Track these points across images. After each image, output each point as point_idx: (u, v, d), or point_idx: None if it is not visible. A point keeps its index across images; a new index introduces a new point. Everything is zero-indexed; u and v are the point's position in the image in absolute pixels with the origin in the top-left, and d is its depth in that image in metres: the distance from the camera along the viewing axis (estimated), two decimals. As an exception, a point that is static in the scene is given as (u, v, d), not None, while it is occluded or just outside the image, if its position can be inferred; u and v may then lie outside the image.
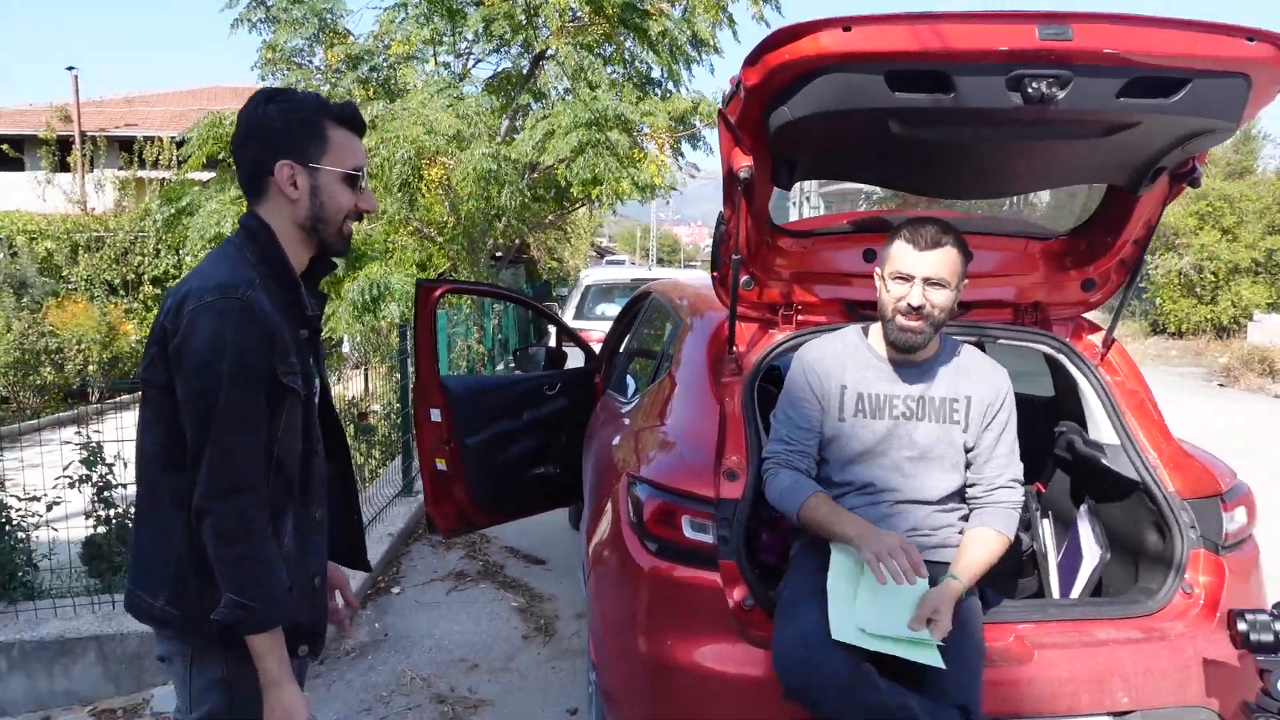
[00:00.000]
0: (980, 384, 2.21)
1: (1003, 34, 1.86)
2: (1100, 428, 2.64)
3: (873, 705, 1.83)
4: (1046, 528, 2.79)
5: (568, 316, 9.62)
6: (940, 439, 2.18)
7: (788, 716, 2.03)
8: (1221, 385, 12.85)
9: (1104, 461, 2.58)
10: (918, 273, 2.10)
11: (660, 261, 51.42)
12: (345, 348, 11.63)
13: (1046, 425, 3.00)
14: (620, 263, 35.66)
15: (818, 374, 2.26)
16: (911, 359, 2.21)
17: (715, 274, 2.56)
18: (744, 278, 2.56)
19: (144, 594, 1.61)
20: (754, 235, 2.47)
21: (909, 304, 2.10)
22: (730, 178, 2.23)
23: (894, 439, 2.19)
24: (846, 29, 1.85)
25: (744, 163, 2.18)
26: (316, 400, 1.72)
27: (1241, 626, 1.93)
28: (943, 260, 2.10)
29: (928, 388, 2.20)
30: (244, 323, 1.50)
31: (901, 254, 2.13)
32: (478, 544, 5.23)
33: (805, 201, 31.38)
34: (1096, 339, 2.72)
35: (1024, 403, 3.39)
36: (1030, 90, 1.88)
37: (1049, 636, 2.25)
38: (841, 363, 2.25)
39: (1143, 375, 2.69)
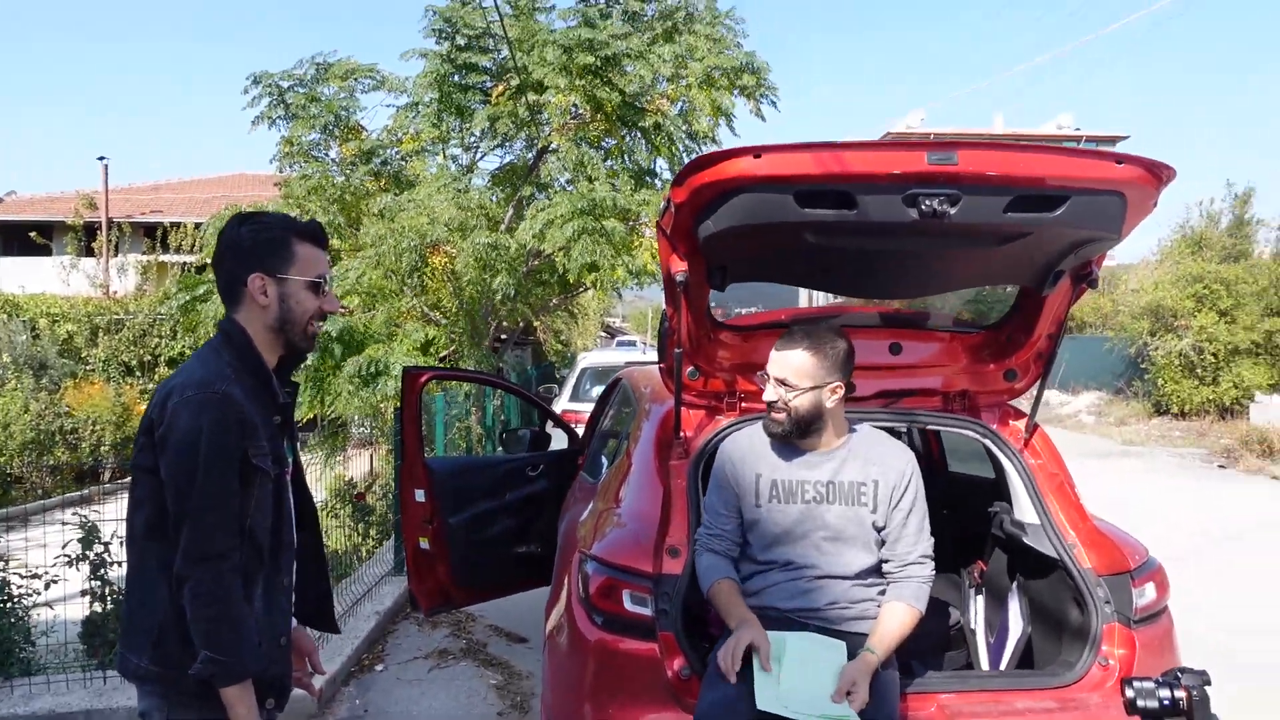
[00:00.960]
0: (886, 467, 2.40)
1: (896, 159, 2.12)
2: (1024, 508, 2.82)
3: (782, 767, 1.98)
4: (980, 604, 2.94)
5: (564, 397, 9.86)
6: (851, 520, 2.37)
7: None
8: (1222, 467, 12.86)
9: (1026, 540, 2.76)
10: (771, 372, 2.37)
11: (670, 342, 51.63)
12: (353, 428, 11.88)
13: (986, 505, 3.17)
14: (632, 344, 36.02)
15: (735, 464, 2.47)
16: (820, 447, 2.41)
17: (662, 366, 2.80)
18: (689, 369, 2.80)
19: (131, 654, 1.80)
20: (695, 330, 2.72)
21: (765, 398, 2.37)
22: (670, 281, 2.49)
23: (809, 521, 2.38)
24: (757, 156, 2.12)
25: (680, 268, 2.44)
26: (288, 478, 1.94)
27: (1129, 694, 2.07)
28: (788, 361, 2.34)
29: (836, 472, 2.40)
30: (219, 413, 1.72)
31: (771, 354, 2.40)
32: (463, 622, 5.36)
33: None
34: (1021, 425, 2.92)
35: (969, 484, 3.60)
36: (924, 206, 2.13)
37: (969, 706, 2.39)
38: (756, 453, 2.46)
39: (1063, 459, 2.88)
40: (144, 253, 21.13)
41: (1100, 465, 12.13)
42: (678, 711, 2.33)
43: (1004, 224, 2.22)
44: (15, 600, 4.28)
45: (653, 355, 10.80)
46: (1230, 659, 4.42)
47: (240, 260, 1.85)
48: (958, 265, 2.59)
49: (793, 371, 2.32)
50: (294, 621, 2.04)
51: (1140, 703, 2.06)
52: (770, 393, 2.35)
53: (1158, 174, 2.16)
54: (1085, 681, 2.47)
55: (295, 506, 2.01)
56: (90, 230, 21.62)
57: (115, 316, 17.63)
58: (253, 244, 1.85)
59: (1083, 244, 2.38)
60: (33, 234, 21.72)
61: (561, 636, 2.66)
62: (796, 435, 2.37)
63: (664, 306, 2.64)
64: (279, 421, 1.89)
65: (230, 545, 1.73)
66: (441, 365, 9.24)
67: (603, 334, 42.03)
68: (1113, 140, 39.62)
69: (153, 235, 20.86)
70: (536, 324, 14.78)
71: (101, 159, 21.87)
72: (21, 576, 4.30)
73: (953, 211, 2.13)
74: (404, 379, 4.18)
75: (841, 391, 2.37)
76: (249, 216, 1.90)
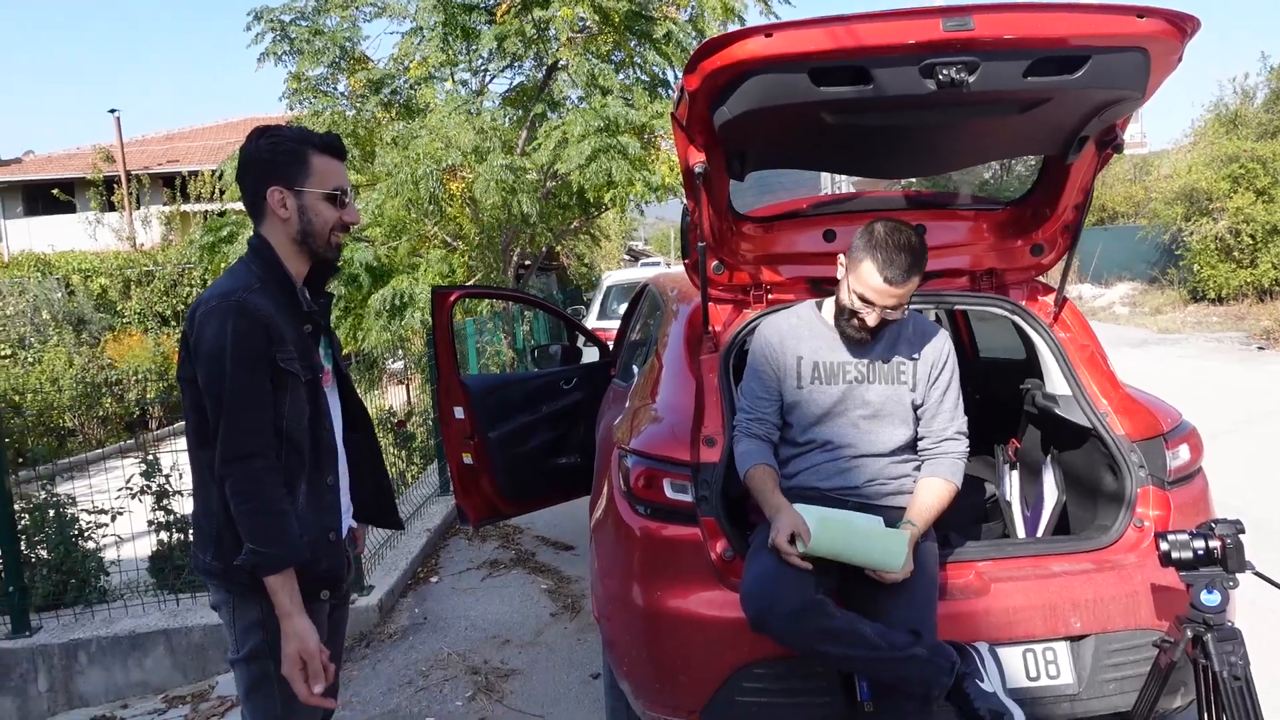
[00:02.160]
0: (924, 347, 2.43)
1: (910, 29, 2.08)
2: (1055, 382, 2.83)
3: (825, 629, 2.07)
4: (1015, 478, 2.99)
5: (592, 316, 9.92)
6: (890, 398, 2.42)
7: (764, 651, 2.28)
8: (1261, 349, 12.70)
9: (1058, 411, 2.78)
10: (883, 302, 2.31)
11: (694, 260, 51.30)
12: (389, 363, 12.07)
13: (1018, 385, 3.20)
14: (656, 264, 35.87)
15: (774, 347, 2.50)
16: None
17: (686, 261, 2.82)
18: (713, 263, 2.81)
19: (199, 552, 1.93)
20: (717, 223, 2.72)
21: (865, 321, 2.34)
22: (688, 173, 2.49)
23: (849, 400, 2.43)
24: (769, 35, 2.10)
25: (698, 158, 2.43)
26: (325, 383, 2.00)
27: (1163, 546, 2.14)
28: (905, 292, 2.31)
29: (877, 353, 2.43)
30: (241, 319, 1.78)
31: (870, 277, 2.30)
32: (511, 535, 5.54)
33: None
34: (1050, 300, 2.91)
35: (1000, 366, 3.61)
36: (942, 76, 2.10)
37: (1006, 571, 2.46)
38: (797, 335, 2.49)
39: (1093, 331, 2.88)
40: (165, 203, 21.26)
41: (1136, 353, 12.03)
42: (723, 590, 2.42)
43: (1024, 89, 2.18)
44: (85, 534, 4.49)
45: (663, 270, 10.80)
46: (1270, 531, 4.46)
47: (260, 174, 1.88)
48: (979, 137, 2.56)
49: (906, 296, 2.33)
50: (350, 520, 2.12)
51: (1175, 554, 2.12)
52: (873, 318, 2.33)
53: (1181, 26, 2.10)
54: (1121, 543, 2.52)
55: (343, 409, 2.08)
56: (110, 184, 21.74)
57: (145, 268, 17.86)
58: (270, 157, 1.87)
59: (1107, 106, 2.33)
60: (55, 191, 21.89)
61: (607, 529, 2.75)
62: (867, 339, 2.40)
63: (684, 201, 2.64)
64: (309, 330, 1.93)
65: (264, 444, 1.80)
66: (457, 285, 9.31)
67: (626, 257, 41.82)
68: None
69: (171, 185, 20.94)
70: (559, 248, 14.75)
71: (113, 111, 21.85)
72: (89, 513, 4.50)
73: (971, 80, 2.10)
74: (433, 298, 4.23)
75: None
76: (266, 130, 1.92)
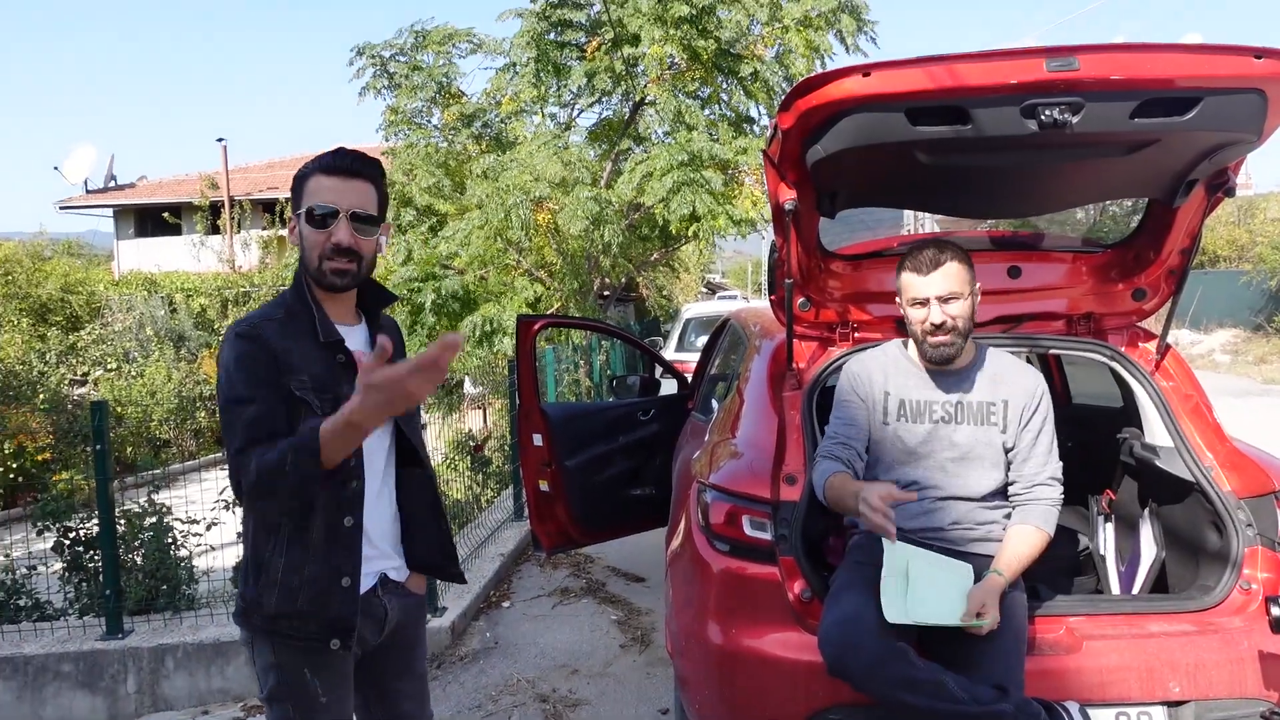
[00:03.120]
0: (1016, 387, 2.36)
1: (1012, 69, 2.05)
2: (1156, 432, 2.72)
3: (906, 677, 2.01)
4: (1109, 530, 2.87)
5: (670, 348, 9.94)
6: (979, 440, 2.35)
7: (840, 696, 2.23)
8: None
9: (1159, 464, 2.67)
10: (929, 294, 2.30)
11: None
12: (467, 387, 12.32)
13: (1114, 434, 3.08)
14: (732, 297, 35.80)
15: (862, 381, 2.47)
16: (949, 367, 2.39)
17: (773, 298, 2.81)
18: (800, 300, 2.80)
19: (237, 586, 1.91)
20: (805, 260, 2.71)
21: (931, 324, 2.30)
22: (778, 210, 2.49)
23: (935, 441, 2.37)
24: (866, 74, 2.09)
25: (789, 196, 2.43)
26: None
27: (1275, 611, 2.03)
28: (947, 276, 2.29)
29: (965, 393, 2.37)
30: (249, 346, 1.72)
31: (910, 282, 2.34)
32: (582, 564, 5.55)
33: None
34: (1151, 346, 2.80)
35: (1096, 414, 3.49)
36: (1044, 117, 2.06)
37: (1099, 628, 2.36)
38: (884, 372, 2.45)
39: (1197, 381, 2.76)
40: (263, 228, 22.21)
41: (1238, 404, 11.45)
42: (800, 632, 2.38)
43: (1131, 131, 2.13)
44: (178, 544, 4.67)
45: (742, 305, 10.77)
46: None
47: (290, 204, 1.87)
48: (1081, 178, 2.50)
49: (956, 281, 2.30)
50: (398, 568, 1.97)
51: (1287, 620, 2.00)
52: (937, 314, 2.30)
53: (1303, 67, 2.02)
54: (1226, 605, 2.39)
55: (397, 446, 1.95)
56: (214, 209, 22.83)
57: (242, 289, 18.67)
58: (292, 187, 1.84)
59: (1218, 149, 2.26)
60: (165, 215, 23.10)
61: (683, 564, 2.74)
62: (959, 353, 2.35)
63: (774, 238, 2.64)
64: (342, 360, 1.81)
65: (270, 441, 1.67)
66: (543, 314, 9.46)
67: (703, 290, 41.90)
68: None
69: (271, 211, 21.88)
70: (639, 279, 14.88)
71: (220, 140, 23.01)
72: (182, 522, 4.68)
73: (1075, 120, 2.06)
74: (518, 327, 4.31)
75: (979, 297, 2.37)
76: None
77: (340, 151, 1.81)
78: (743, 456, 2.76)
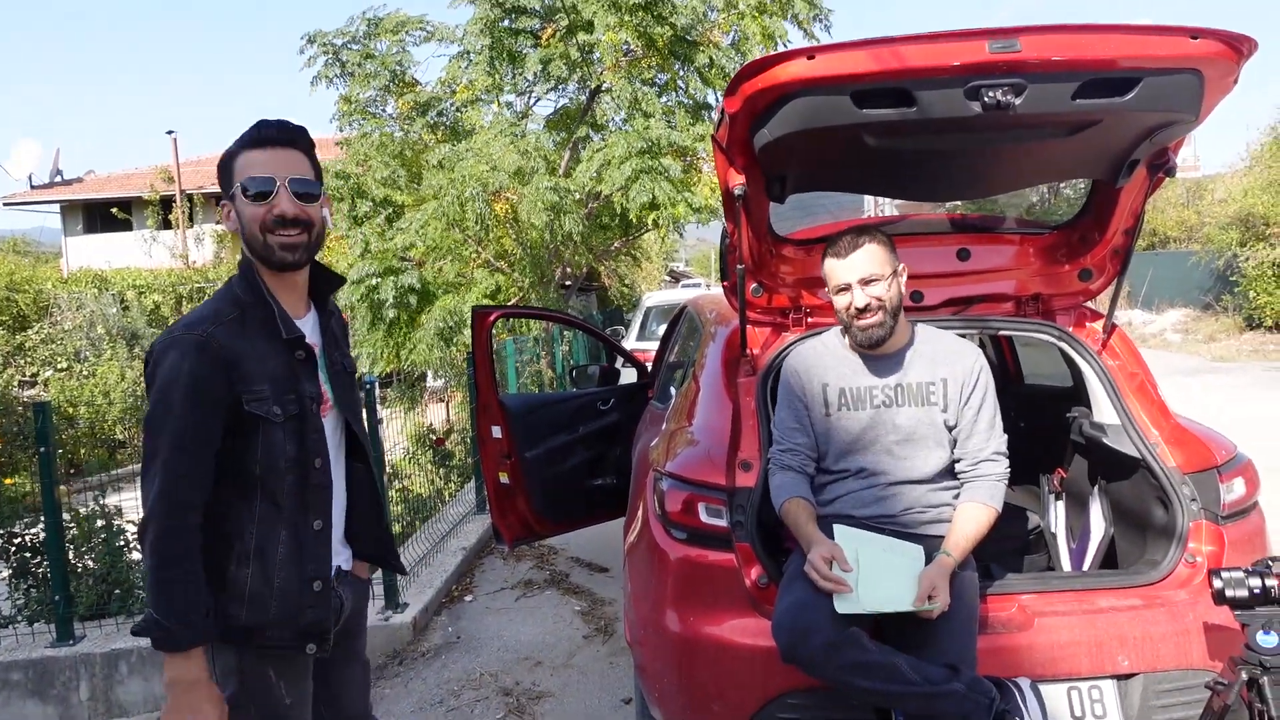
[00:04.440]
0: (953, 365, 2.38)
1: (955, 50, 2.06)
2: (1103, 410, 2.76)
3: (858, 662, 2.02)
4: (1060, 509, 2.91)
5: (631, 337, 9.93)
6: (921, 421, 2.36)
7: (798, 681, 2.24)
8: (1320, 378, 12.28)
9: (1106, 441, 2.70)
10: (850, 278, 2.32)
11: (735, 282, 51.32)
12: (429, 380, 12.20)
13: (1065, 413, 3.12)
14: (697, 285, 35.80)
15: (800, 376, 2.47)
16: (885, 351, 2.39)
17: (725, 284, 2.80)
18: (752, 286, 2.79)
19: None
20: (756, 246, 2.71)
21: (856, 307, 2.33)
22: (728, 195, 2.47)
23: (878, 426, 2.38)
24: (811, 57, 2.08)
25: (738, 180, 2.42)
26: (321, 412, 1.79)
27: (1217, 584, 2.05)
28: (865, 258, 2.31)
29: (903, 375, 2.38)
30: (199, 355, 1.62)
31: (832, 268, 2.36)
32: (546, 555, 5.52)
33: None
34: (1099, 326, 2.84)
35: (1046, 393, 3.54)
36: (987, 98, 2.07)
37: (1050, 605, 2.39)
38: (822, 363, 2.46)
39: (1143, 359, 2.80)
40: (216, 221, 21.80)
41: (1188, 381, 11.70)
42: (757, 618, 2.38)
43: (1073, 112, 2.14)
44: (130, 546, 4.57)
45: (701, 292, 10.80)
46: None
47: (221, 189, 1.76)
48: (1025, 160, 2.52)
49: (875, 262, 2.31)
50: (346, 558, 1.95)
51: (1229, 592, 2.04)
52: (860, 297, 2.31)
53: (1237, 47, 2.05)
54: (1171, 579, 2.43)
55: (347, 438, 1.90)
56: (166, 203, 22.35)
57: (196, 285, 18.32)
58: (218, 172, 1.74)
59: (1159, 129, 2.28)
60: (114, 210, 22.56)
61: (640, 552, 2.73)
62: (889, 334, 2.36)
63: (724, 223, 2.63)
64: (302, 356, 1.75)
65: (198, 497, 1.62)
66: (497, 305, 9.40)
67: (667, 278, 41.91)
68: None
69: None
70: (600, 269, 14.83)
71: (170, 133, 22.50)
72: (135, 525, 4.58)
73: (1018, 102, 2.07)
74: (473, 318, 4.26)
75: (904, 275, 2.38)
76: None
77: (264, 123, 1.72)
78: (698, 444, 2.75)
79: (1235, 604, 2.04)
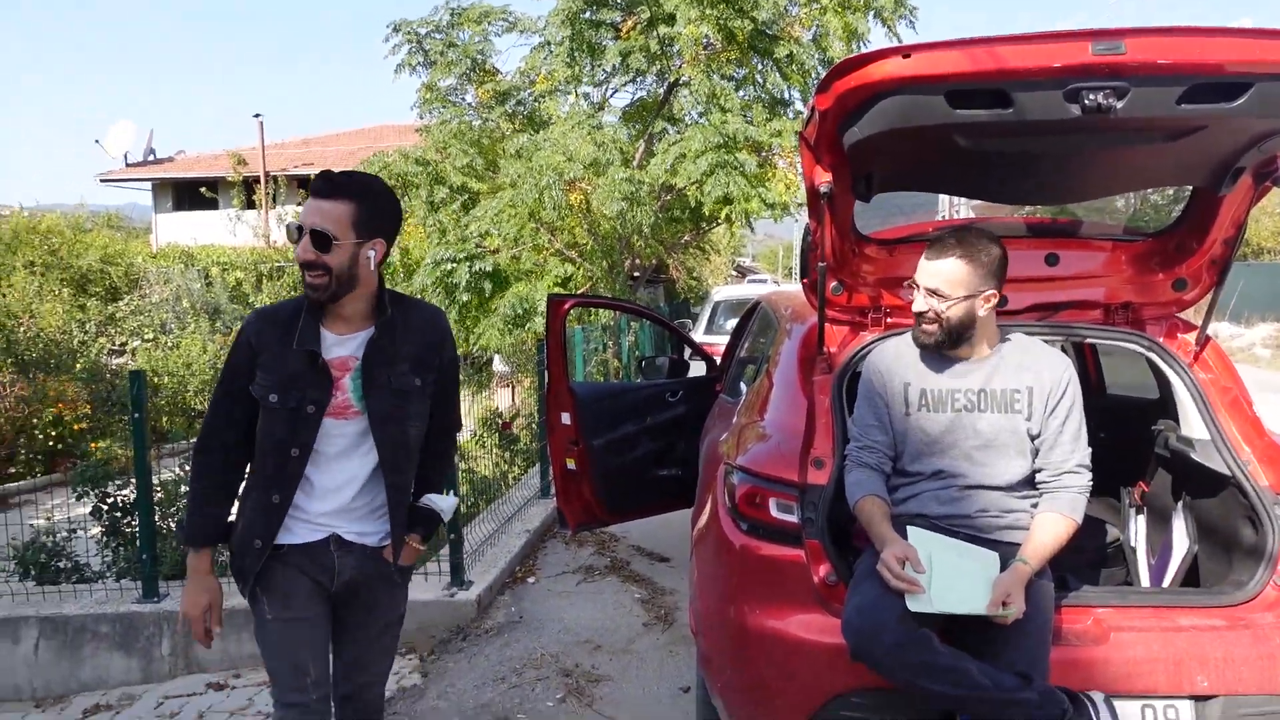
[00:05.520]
0: (1041, 373, 2.33)
1: (1056, 52, 2.01)
2: (1192, 425, 2.68)
3: (928, 664, 2.01)
4: (1141, 523, 2.84)
5: (699, 330, 9.93)
6: (1004, 428, 2.33)
7: (863, 680, 2.23)
8: None
9: (1194, 457, 2.63)
10: (921, 280, 2.32)
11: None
12: (496, 364, 12.40)
13: (1149, 426, 3.04)
14: (763, 281, 35.56)
15: (882, 374, 2.45)
16: (970, 354, 2.36)
17: (805, 281, 2.79)
18: (833, 284, 2.78)
19: None
20: (839, 244, 2.69)
21: (914, 309, 2.32)
22: (813, 193, 2.47)
23: (959, 429, 2.35)
24: (906, 56, 2.06)
25: (824, 179, 2.41)
26: (339, 415, 2.12)
27: (1309, 608, 1.99)
28: (944, 271, 2.28)
29: (988, 379, 2.35)
30: (239, 338, 2.14)
31: (919, 264, 2.35)
32: (607, 542, 5.59)
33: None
34: (1191, 338, 2.76)
35: (1130, 405, 3.44)
36: (1088, 101, 2.02)
37: (1127, 620, 2.33)
38: (904, 362, 2.44)
39: (1238, 374, 2.71)
40: (298, 204, 22.44)
41: (1278, 399, 11.22)
42: (824, 614, 2.38)
43: (1178, 117, 2.08)
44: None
45: (772, 288, 10.74)
46: None
47: None
48: (1123, 165, 2.45)
49: (945, 281, 2.28)
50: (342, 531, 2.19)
51: (1322, 617, 1.97)
52: (920, 303, 2.31)
53: (1359, 53, 1.96)
54: (1258, 601, 2.35)
55: (380, 450, 2.15)
56: (249, 184, 23.09)
57: (276, 264, 18.91)
58: None
59: (1267, 136, 2.21)
60: (203, 189, 23.38)
61: (709, 544, 2.75)
62: (948, 345, 2.34)
63: (808, 221, 2.63)
64: (318, 363, 2.08)
65: (215, 441, 2.14)
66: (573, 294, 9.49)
67: (733, 273, 41.74)
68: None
69: (305, 187, 22.06)
70: (669, 261, 14.85)
71: (257, 116, 23.18)
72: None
73: (1119, 105, 2.01)
74: (549, 305, 4.33)
75: (995, 300, 2.32)
76: None
77: (321, 174, 2.06)
78: (770, 439, 2.76)
79: (1328, 631, 1.97)
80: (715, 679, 2.62)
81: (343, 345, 2.13)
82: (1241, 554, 2.52)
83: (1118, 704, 2.17)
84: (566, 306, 4.36)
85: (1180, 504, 2.73)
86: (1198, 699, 2.25)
